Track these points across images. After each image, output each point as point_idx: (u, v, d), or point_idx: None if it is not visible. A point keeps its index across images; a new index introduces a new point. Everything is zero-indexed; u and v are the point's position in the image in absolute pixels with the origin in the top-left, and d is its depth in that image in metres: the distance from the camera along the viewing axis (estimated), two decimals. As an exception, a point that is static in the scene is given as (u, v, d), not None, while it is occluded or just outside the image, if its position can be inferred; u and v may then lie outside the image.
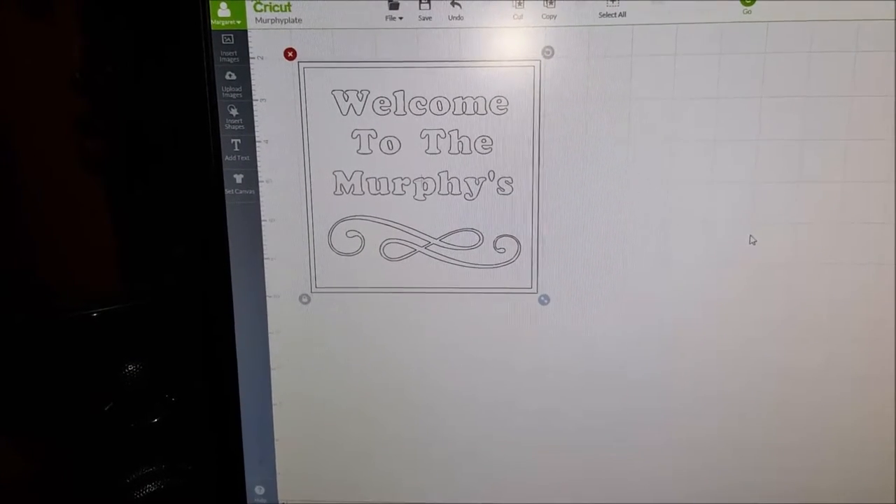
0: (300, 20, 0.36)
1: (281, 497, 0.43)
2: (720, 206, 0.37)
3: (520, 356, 0.40)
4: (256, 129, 0.38)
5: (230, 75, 0.37)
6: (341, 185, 0.38)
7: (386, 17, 0.36)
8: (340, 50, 0.36)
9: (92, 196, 0.44)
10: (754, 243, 0.37)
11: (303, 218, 0.39)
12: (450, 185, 0.38)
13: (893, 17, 0.34)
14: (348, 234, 0.39)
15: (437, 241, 0.39)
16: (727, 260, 0.37)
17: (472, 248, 0.39)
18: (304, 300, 0.40)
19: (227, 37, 0.37)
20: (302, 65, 0.37)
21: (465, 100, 0.37)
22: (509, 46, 0.36)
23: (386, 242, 0.39)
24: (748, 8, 0.35)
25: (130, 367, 0.43)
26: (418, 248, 0.39)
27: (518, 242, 0.38)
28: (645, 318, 0.39)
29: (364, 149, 0.38)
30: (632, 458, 0.41)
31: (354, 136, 0.37)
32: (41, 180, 0.43)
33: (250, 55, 0.37)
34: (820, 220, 0.37)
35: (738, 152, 0.36)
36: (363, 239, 0.39)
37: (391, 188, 0.38)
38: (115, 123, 0.43)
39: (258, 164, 0.38)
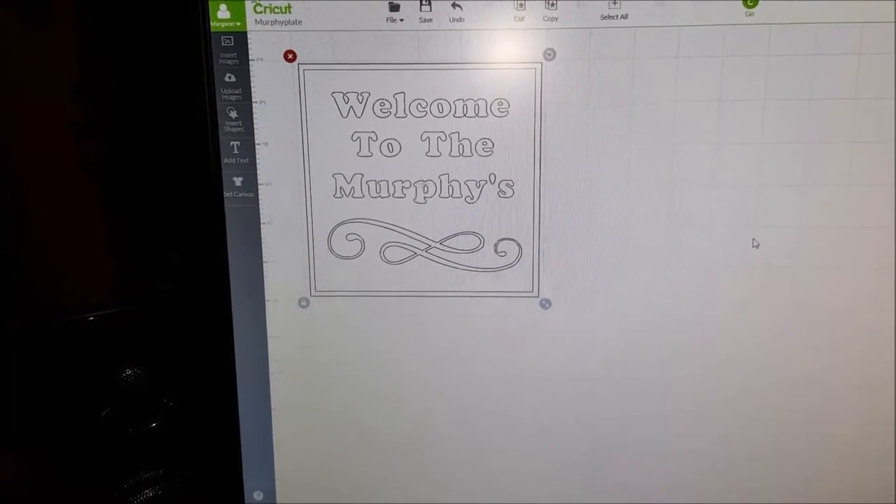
0: (300, 22, 0.36)
1: (279, 502, 0.42)
2: (723, 209, 0.37)
3: (521, 360, 0.39)
4: (256, 131, 0.37)
5: (230, 77, 0.37)
6: (341, 187, 0.38)
7: (386, 19, 0.36)
8: (340, 52, 0.36)
9: (90, 199, 0.44)
10: (757, 247, 0.37)
11: (302, 221, 0.38)
12: (450, 188, 0.38)
13: (894, 20, 0.34)
14: (348, 237, 0.39)
15: (437, 245, 0.38)
16: (730, 263, 0.37)
17: (472, 251, 0.38)
18: (304, 304, 0.39)
19: (226, 39, 0.36)
20: (302, 67, 0.36)
21: (466, 102, 0.37)
22: (510, 48, 0.36)
23: (386, 246, 0.39)
24: (750, 10, 0.35)
25: (128, 372, 0.43)
26: (419, 252, 0.39)
27: (519, 246, 0.38)
28: (647, 321, 0.38)
29: (364, 151, 0.37)
30: (633, 462, 0.40)
31: (354, 138, 0.37)
32: (41, 183, 0.43)
33: (250, 57, 0.37)
34: (823, 223, 0.37)
35: (740, 155, 0.36)
36: (363, 242, 0.39)
37: (391, 191, 0.38)
38: (113, 126, 0.43)
39: (257, 166, 0.38)
